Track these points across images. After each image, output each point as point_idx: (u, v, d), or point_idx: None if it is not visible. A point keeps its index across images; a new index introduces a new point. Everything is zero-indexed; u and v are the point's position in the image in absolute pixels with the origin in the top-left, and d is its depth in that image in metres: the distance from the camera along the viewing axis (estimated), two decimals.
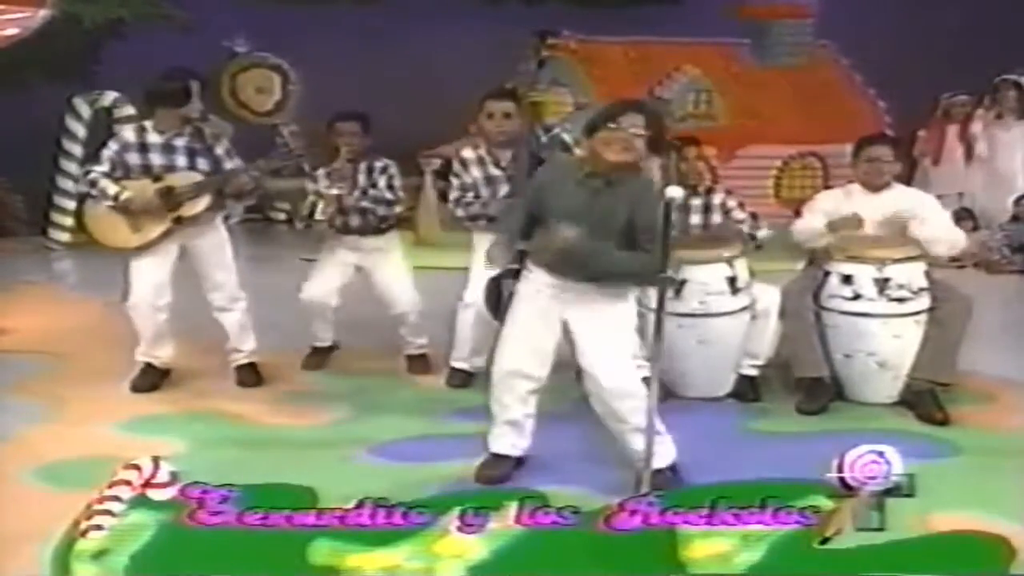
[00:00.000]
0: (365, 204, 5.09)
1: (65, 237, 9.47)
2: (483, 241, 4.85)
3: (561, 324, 3.67)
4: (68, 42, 9.21)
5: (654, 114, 3.62)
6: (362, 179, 5.14)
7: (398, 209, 5.26)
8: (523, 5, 10.05)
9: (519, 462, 3.82)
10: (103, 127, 9.28)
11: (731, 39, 10.12)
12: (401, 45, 10.25)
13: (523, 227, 3.71)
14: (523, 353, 3.69)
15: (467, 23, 9.95)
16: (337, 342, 5.42)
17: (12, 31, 6.60)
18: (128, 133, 4.82)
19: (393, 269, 5.24)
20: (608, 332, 3.64)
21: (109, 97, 9.51)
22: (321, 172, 5.17)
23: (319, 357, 5.36)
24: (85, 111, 9.53)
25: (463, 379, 5.00)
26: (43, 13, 6.62)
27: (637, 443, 3.53)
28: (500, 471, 3.77)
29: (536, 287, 3.67)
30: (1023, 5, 9.49)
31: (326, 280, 5.22)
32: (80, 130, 9.50)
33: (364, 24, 10.35)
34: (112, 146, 4.79)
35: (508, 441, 3.79)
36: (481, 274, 4.81)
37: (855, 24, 9.91)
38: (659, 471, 3.53)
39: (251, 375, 5.01)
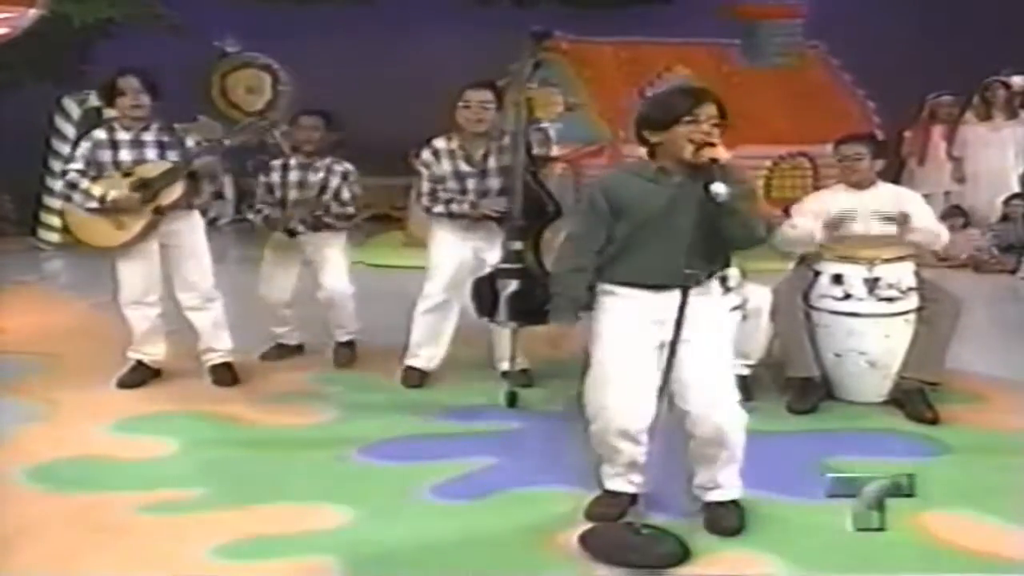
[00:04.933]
0: (325, 218, 5.19)
1: (55, 237, 9.46)
2: (445, 233, 4.88)
3: (660, 348, 3.17)
4: (57, 42, 9.19)
5: (720, 101, 3.26)
6: (315, 178, 5.20)
7: (353, 221, 5.37)
8: (515, 6, 10.08)
9: (634, 498, 3.31)
10: (92, 127, 9.28)
11: (721, 39, 10.17)
12: (392, 45, 10.27)
13: (598, 250, 3.29)
14: (627, 402, 3.21)
15: (459, 24, 10.00)
16: (302, 343, 5.50)
17: (2, 31, 6.57)
18: (99, 132, 4.82)
19: (333, 256, 5.30)
20: (713, 346, 3.25)
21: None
22: (277, 163, 5.29)
23: (280, 352, 5.45)
24: (74, 111, 9.53)
25: (419, 378, 4.96)
26: (32, 13, 6.59)
27: (720, 476, 3.30)
28: (615, 508, 3.37)
29: (633, 314, 3.24)
30: (1011, 6, 9.54)
31: (277, 280, 5.33)
32: (69, 130, 9.49)
33: (355, 24, 10.37)
34: (84, 144, 4.80)
35: (623, 478, 3.39)
36: (445, 267, 4.85)
37: (845, 25, 9.97)
38: (722, 504, 3.34)
39: (226, 374, 4.99)
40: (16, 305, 6.79)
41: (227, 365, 5.02)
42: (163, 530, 3.35)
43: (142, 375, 4.94)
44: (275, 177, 5.26)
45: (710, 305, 3.26)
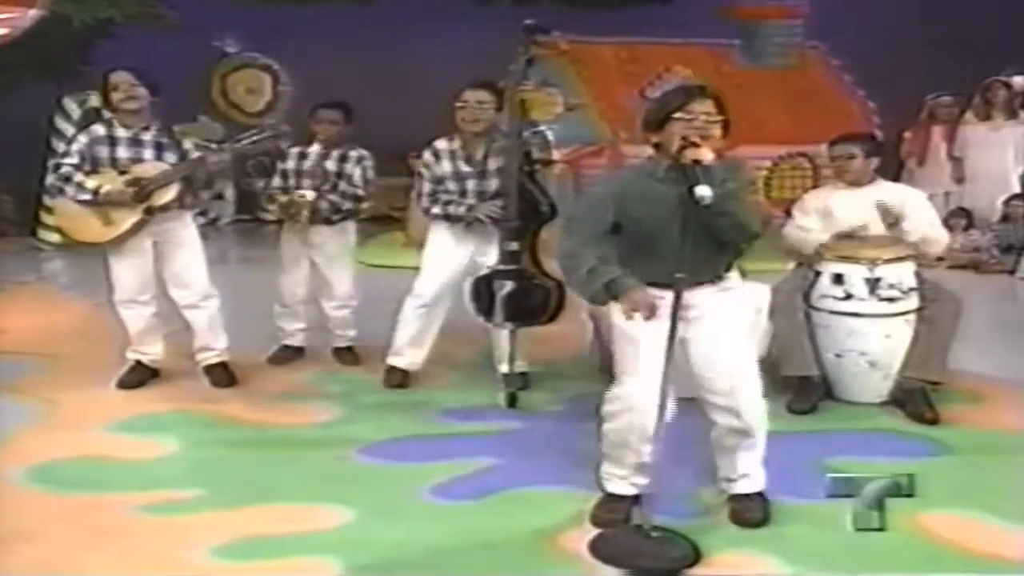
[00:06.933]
0: (333, 197, 5.15)
1: (55, 237, 9.42)
2: (442, 234, 4.86)
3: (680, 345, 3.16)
4: (58, 42, 9.19)
5: (720, 97, 3.27)
6: (331, 166, 5.19)
7: (364, 205, 5.33)
8: (514, 5, 10.07)
9: (636, 498, 3.36)
10: (90, 124, 9.28)
11: (721, 40, 10.17)
12: (392, 45, 10.26)
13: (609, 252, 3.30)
14: (648, 401, 3.15)
15: (458, 23, 9.98)
16: (303, 346, 5.47)
17: (2, 31, 6.57)
18: (98, 127, 4.81)
19: (337, 262, 5.31)
20: (731, 339, 3.28)
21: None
22: (294, 151, 5.26)
23: (287, 354, 5.42)
24: (74, 111, 9.52)
25: (401, 378, 4.95)
26: (33, 13, 6.59)
27: (743, 465, 3.36)
28: (620, 513, 3.36)
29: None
30: (1012, 7, 9.54)
31: (293, 276, 5.34)
32: (69, 130, 9.45)
33: (355, 24, 10.36)
34: (81, 139, 4.79)
35: (627, 481, 3.39)
36: (438, 268, 4.83)
37: (845, 25, 9.96)
38: (747, 496, 3.39)
39: (223, 375, 4.97)
40: (16, 305, 6.79)
41: (223, 365, 5.00)
42: (163, 530, 3.35)
43: (141, 375, 4.94)
44: (290, 164, 5.24)
45: (728, 299, 3.31)
